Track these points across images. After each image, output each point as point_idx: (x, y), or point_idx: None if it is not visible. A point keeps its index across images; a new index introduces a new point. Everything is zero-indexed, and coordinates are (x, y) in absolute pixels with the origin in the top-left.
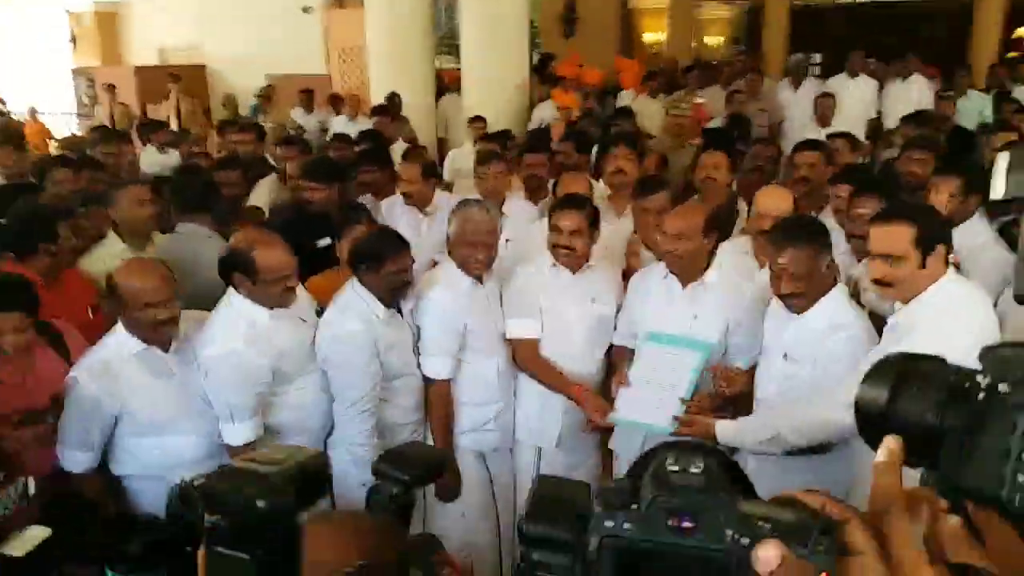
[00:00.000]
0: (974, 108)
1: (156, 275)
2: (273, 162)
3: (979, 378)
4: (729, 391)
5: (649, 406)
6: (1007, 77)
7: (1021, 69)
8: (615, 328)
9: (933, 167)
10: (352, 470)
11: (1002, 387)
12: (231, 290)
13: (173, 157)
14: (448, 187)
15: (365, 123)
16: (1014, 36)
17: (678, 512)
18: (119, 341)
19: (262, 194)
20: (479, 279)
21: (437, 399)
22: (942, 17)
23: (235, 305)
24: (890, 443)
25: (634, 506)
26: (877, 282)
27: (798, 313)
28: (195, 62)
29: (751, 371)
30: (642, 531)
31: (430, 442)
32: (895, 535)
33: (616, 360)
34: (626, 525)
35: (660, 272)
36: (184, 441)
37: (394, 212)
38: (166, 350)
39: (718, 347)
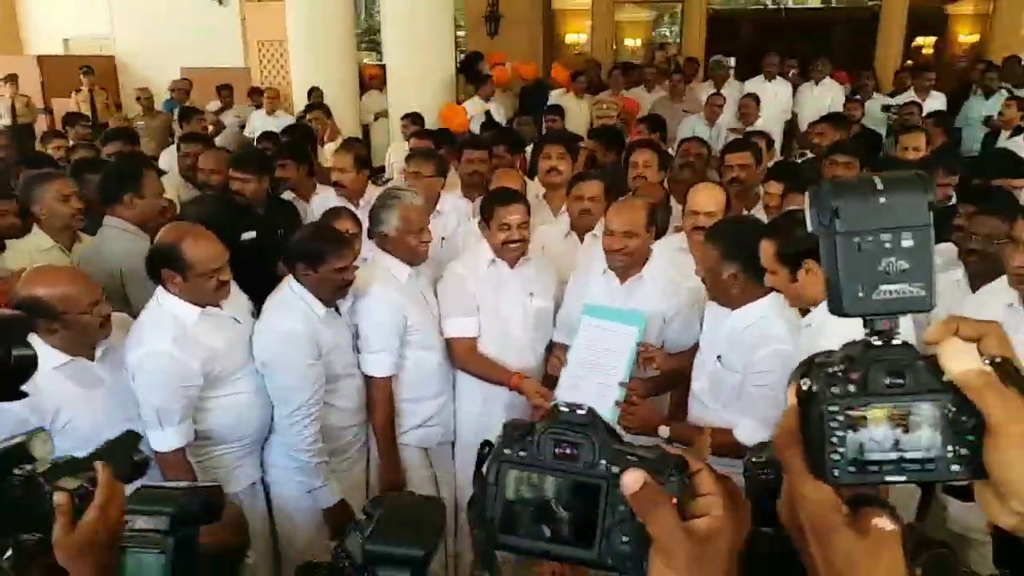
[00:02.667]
0: (878, 111)
1: (77, 280)
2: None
3: (802, 384)
4: (656, 367)
5: (590, 391)
6: (911, 85)
7: (924, 77)
8: (554, 325)
9: (857, 170)
10: (297, 477)
11: (812, 386)
12: (160, 289)
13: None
14: (378, 182)
15: (285, 118)
16: (914, 45)
17: (562, 442)
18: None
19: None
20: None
21: (381, 397)
22: (849, 25)
23: (164, 304)
24: None
25: (529, 439)
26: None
27: (731, 309)
28: (103, 53)
29: (679, 355)
30: (532, 457)
31: (372, 444)
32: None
33: (554, 354)
34: (520, 452)
35: (599, 268)
36: None
37: (326, 207)
38: (91, 358)
39: (656, 329)
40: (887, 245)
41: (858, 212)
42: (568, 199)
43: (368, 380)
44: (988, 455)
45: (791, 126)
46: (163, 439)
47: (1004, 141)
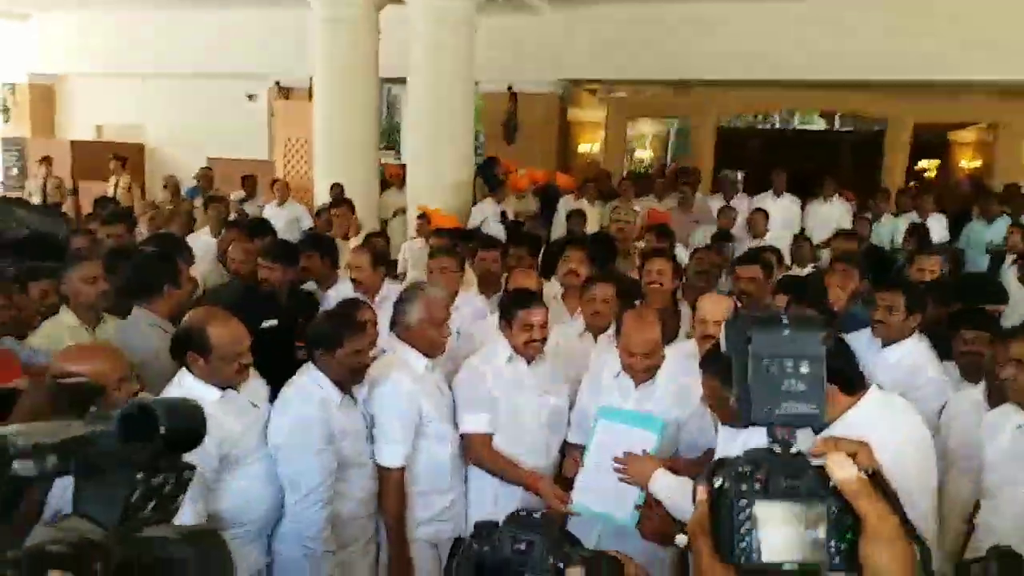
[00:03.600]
0: (887, 230)
1: (109, 356)
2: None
3: (715, 481)
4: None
5: (608, 494)
6: (914, 206)
7: (925, 200)
8: (568, 424)
9: (856, 281)
10: (305, 565)
11: (724, 483)
12: (182, 371)
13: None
14: (395, 277)
15: (295, 207)
16: (917, 167)
17: (519, 539)
18: None
19: (197, 274)
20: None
21: (393, 489)
22: (855, 144)
23: (184, 385)
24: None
25: (494, 535)
26: None
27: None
28: (134, 140)
29: (698, 461)
30: (493, 551)
31: (382, 535)
32: None
33: (568, 455)
34: (486, 548)
35: (612, 371)
36: None
37: (344, 299)
38: None
39: (671, 434)
40: (788, 369)
41: (767, 340)
42: (582, 301)
43: (380, 470)
44: (862, 548)
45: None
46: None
47: (1009, 266)
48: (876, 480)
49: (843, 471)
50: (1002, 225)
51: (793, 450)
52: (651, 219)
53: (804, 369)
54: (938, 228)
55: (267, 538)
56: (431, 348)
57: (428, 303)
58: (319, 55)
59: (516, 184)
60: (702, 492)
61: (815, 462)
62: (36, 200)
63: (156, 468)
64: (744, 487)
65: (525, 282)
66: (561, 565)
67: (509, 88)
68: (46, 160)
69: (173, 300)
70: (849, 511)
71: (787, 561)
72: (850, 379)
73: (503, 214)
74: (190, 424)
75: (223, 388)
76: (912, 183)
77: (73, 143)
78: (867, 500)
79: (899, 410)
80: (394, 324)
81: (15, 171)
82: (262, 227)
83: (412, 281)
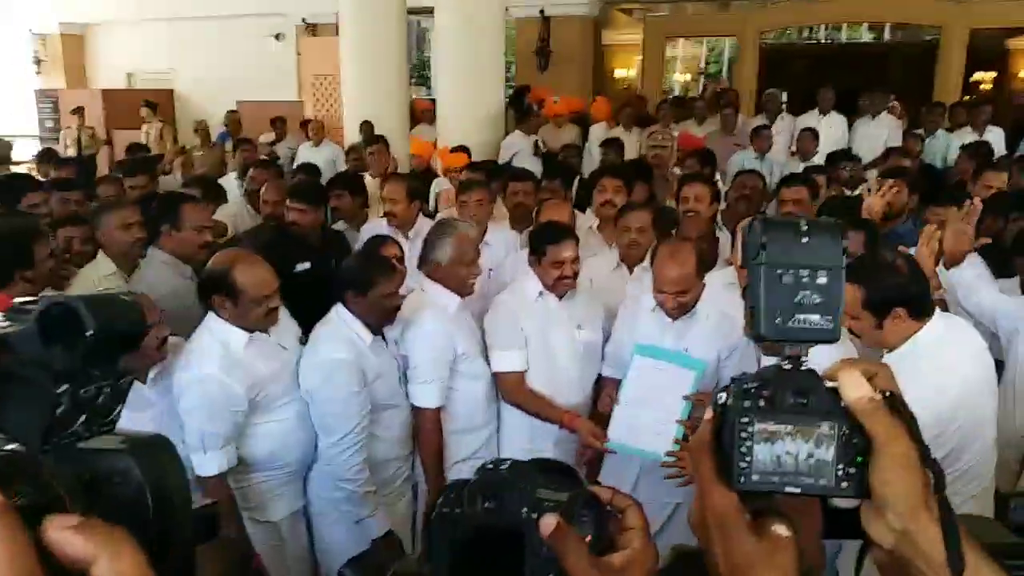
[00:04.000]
0: (940, 147)
1: (140, 297)
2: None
3: (719, 398)
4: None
5: (646, 431)
6: (969, 121)
7: (980, 113)
8: (603, 359)
9: (905, 198)
10: (343, 507)
11: (728, 400)
12: (211, 314)
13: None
14: (430, 215)
15: (331, 148)
16: (971, 80)
17: (489, 495)
18: None
19: (225, 218)
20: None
21: (431, 428)
22: (906, 57)
23: (213, 328)
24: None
25: (463, 493)
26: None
27: None
28: (164, 87)
29: None
30: (465, 511)
31: (420, 475)
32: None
33: (604, 390)
34: (457, 510)
35: (648, 304)
36: None
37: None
38: (143, 380)
39: (711, 371)
40: (804, 280)
41: (782, 248)
42: (616, 231)
43: (416, 411)
44: (872, 473)
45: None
46: (206, 463)
47: None
48: (893, 403)
49: (856, 390)
50: None
51: (804, 366)
52: (685, 143)
53: (822, 280)
54: (996, 143)
55: (303, 480)
56: (461, 287)
57: (459, 241)
58: None
59: (551, 112)
60: (709, 412)
61: (829, 384)
62: (72, 151)
63: (85, 377)
64: (748, 403)
65: (556, 215)
66: (535, 515)
67: (541, 12)
68: (79, 111)
69: (176, 241)
70: (861, 433)
71: (790, 484)
72: (922, 304)
73: (537, 145)
74: (123, 324)
75: (251, 331)
76: (967, 96)
77: (104, 92)
78: (880, 421)
79: (965, 332)
80: (423, 262)
81: (49, 123)
82: (309, 171)
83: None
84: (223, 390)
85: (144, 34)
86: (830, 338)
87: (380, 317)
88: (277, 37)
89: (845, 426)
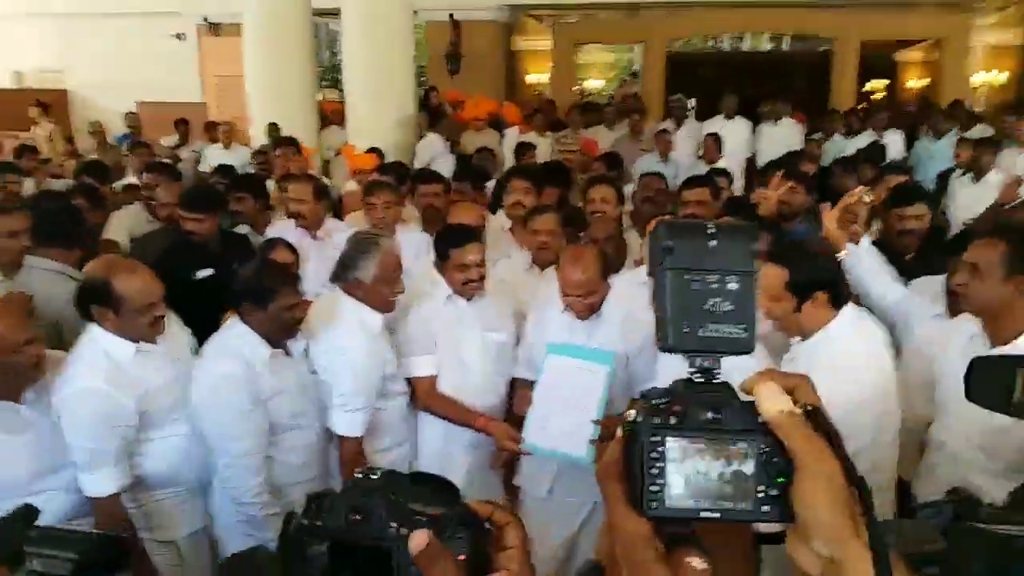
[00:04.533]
0: (837, 151)
1: (6, 316)
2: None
3: (628, 415)
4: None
5: (561, 432)
6: (863, 127)
7: (878, 118)
8: (515, 360)
9: (803, 197)
10: (245, 530)
11: (636, 417)
12: (92, 325)
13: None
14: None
15: (241, 151)
16: (865, 89)
17: (354, 508)
18: None
19: (120, 226)
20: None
21: (353, 460)
22: (803, 67)
23: (96, 339)
24: None
25: (325, 506)
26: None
27: None
28: (56, 87)
29: None
30: (327, 523)
31: None
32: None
33: (518, 392)
34: (318, 522)
35: (558, 305)
36: (53, 499)
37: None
38: (18, 401)
39: (622, 367)
40: (713, 286)
41: (689, 252)
42: (526, 233)
43: (339, 439)
44: (795, 495)
45: (751, 164)
46: (96, 483)
47: (957, 178)
48: (815, 418)
49: (774, 404)
50: (948, 142)
51: (717, 379)
52: (584, 148)
53: (732, 285)
54: (895, 145)
55: (203, 498)
56: (384, 306)
57: (383, 259)
58: None
59: (467, 116)
60: (619, 430)
61: (745, 398)
62: None
63: None
64: (657, 420)
65: (465, 216)
66: (405, 532)
67: (451, 16)
68: None
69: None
70: (782, 452)
71: (705, 508)
72: (839, 292)
73: (452, 145)
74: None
75: (136, 341)
76: (861, 104)
77: None
78: (800, 437)
79: (872, 324)
80: (340, 277)
81: None
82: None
83: (357, 227)
84: (110, 403)
85: (34, 30)
86: (744, 349)
87: (281, 331)
88: (178, 36)
89: (764, 444)
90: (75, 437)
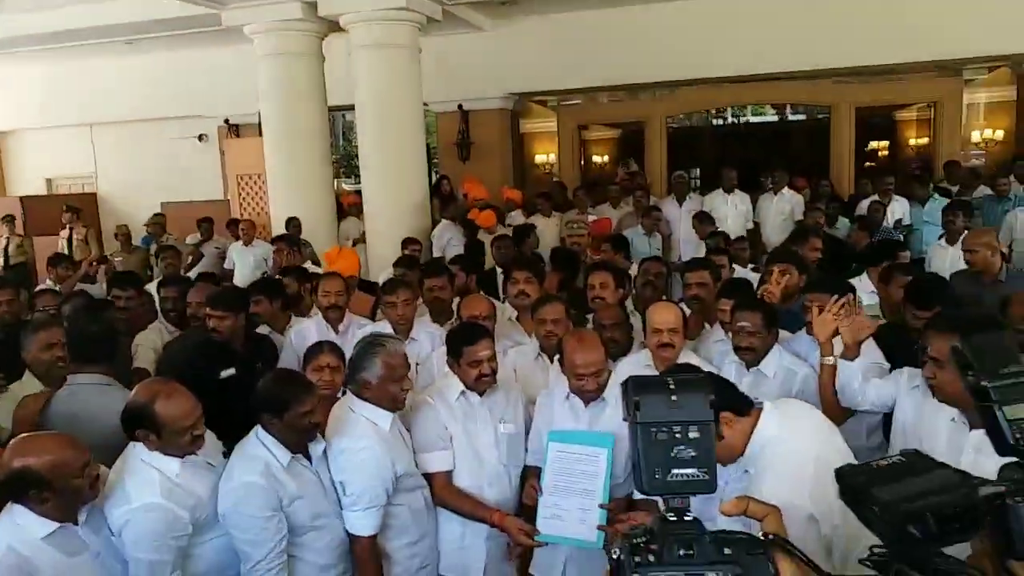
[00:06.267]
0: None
1: (66, 445)
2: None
3: (612, 552)
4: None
5: (571, 519)
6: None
7: (884, 182)
8: (526, 450)
9: (795, 279)
10: None
11: (620, 555)
12: (137, 445)
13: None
14: None
15: (262, 247)
16: (868, 148)
17: None
18: (22, 525)
19: (146, 349)
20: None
21: (367, 558)
22: (803, 134)
23: (144, 457)
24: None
25: None
26: None
27: None
28: (86, 191)
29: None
30: None
31: None
32: None
33: (529, 482)
34: None
35: (562, 392)
36: None
37: (307, 336)
38: (76, 523)
39: (620, 444)
40: (677, 435)
41: (654, 407)
42: (533, 323)
43: (352, 538)
44: None
45: (754, 236)
46: None
47: (936, 242)
48: (779, 544)
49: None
50: (933, 206)
51: (688, 517)
52: (594, 229)
53: (693, 434)
54: (901, 213)
55: None
56: (393, 404)
57: (388, 358)
58: (264, 90)
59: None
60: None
61: (724, 523)
62: None
63: None
64: (638, 558)
65: (475, 309)
66: None
67: (460, 107)
68: (7, 219)
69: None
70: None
71: None
72: (739, 402)
73: (467, 233)
74: None
75: (181, 457)
76: (868, 163)
77: (23, 199)
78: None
79: (799, 409)
80: (350, 380)
81: None
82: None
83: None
84: (168, 517)
85: (63, 139)
86: (707, 490)
87: (299, 436)
88: (200, 138)
89: (732, 572)
90: (138, 551)
